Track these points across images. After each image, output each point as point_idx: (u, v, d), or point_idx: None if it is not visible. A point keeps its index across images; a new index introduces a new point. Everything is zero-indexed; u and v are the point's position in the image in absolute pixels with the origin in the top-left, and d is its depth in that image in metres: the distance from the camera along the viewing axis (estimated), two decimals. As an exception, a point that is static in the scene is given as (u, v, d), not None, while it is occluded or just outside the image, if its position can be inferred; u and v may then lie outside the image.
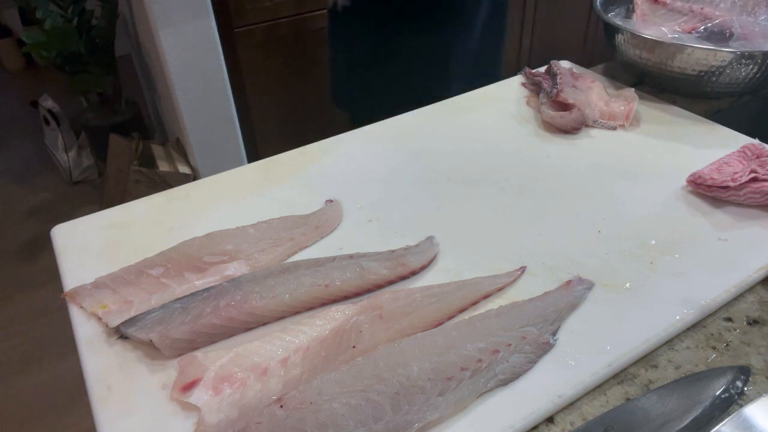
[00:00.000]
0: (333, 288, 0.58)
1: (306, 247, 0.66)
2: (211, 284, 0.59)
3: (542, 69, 0.99)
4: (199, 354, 0.52)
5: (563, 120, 0.84)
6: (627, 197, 0.72)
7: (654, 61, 0.89)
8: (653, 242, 0.64)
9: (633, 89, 0.89)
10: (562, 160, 0.79)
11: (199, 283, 0.61)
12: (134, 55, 2.64)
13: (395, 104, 0.90)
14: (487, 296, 0.58)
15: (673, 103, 0.90)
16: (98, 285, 0.60)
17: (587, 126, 0.85)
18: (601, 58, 1.07)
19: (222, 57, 1.75)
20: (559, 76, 0.90)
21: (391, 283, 0.61)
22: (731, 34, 0.91)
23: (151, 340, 0.52)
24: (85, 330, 0.57)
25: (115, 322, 0.55)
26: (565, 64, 0.99)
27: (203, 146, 1.96)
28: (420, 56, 1.10)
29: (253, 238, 0.65)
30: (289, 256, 0.65)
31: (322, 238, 0.67)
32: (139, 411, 0.49)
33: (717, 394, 0.49)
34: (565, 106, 0.85)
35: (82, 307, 0.59)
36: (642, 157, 0.79)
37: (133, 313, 0.56)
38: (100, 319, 0.57)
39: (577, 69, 0.99)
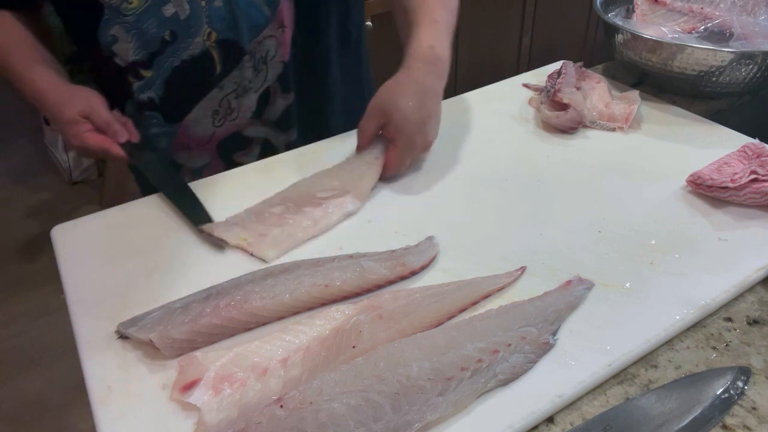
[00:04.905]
0: (333, 288, 0.58)
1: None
2: (331, 221, 0.69)
3: (549, 67, 0.98)
4: (199, 354, 0.52)
5: (559, 120, 0.84)
6: (627, 197, 0.72)
7: (654, 62, 0.89)
8: (653, 242, 0.64)
9: (637, 92, 0.89)
10: (563, 160, 0.79)
11: (320, 214, 0.69)
12: (134, 55, 2.64)
13: None
14: (487, 296, 0.58)
15: (673, 103, 0.90)
16: (230, 223, 0.68)
17: (585, 126, 0.85)
18: (601, 58, 1.07)
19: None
20: (561, 77, 0.90)
21: (391, 283, 0.61)
22: (731, 34, 0.91)
23: (151, 340, 0.52)
24: (85, 330, 0.57)
25: (259, 251, 0.64)
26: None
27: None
28: None
29: (350, 172, 0.74)
30: (377, 178, 0.74)
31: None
32: (139, 411, 0.49)
33: (717, 394, 0.49)
34: (562, 106, 0.85)
35: (222, 240, 0.65)
36: (642, 157, 0.79)
37: (271, 242, 0.65)
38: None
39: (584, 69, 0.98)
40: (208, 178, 0.79)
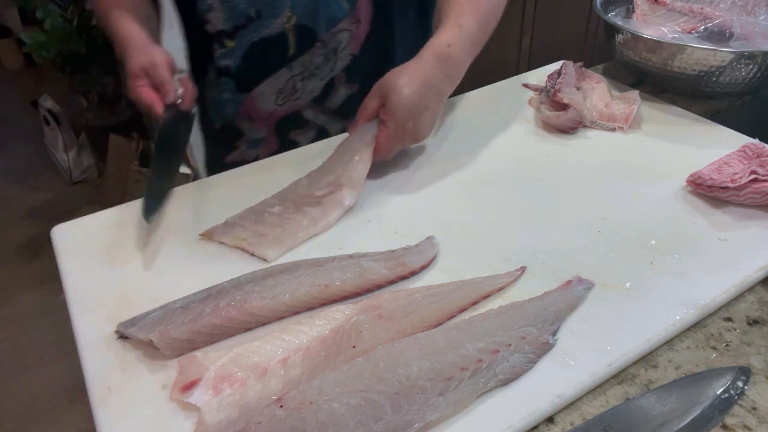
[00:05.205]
0: (333, 288, 0.58)
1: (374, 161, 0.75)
2: (331, 219, 0.69)
3: (549, 67, 0.99)
4: (199, 354, 0.52)
5: (559, 120, 0.84)
6: (627, 197, 0.72)
7: (654, 62, 0.89)
8: (653, 242, 0.64)
9: (637, 92, 0.89)
10: (563, 160, 0.79)
11: (319, 212, 0.69)
12: (134, 55, 2.64)
13: None
14: (487, 296, 0.58)
15: (673, 103, 0.90)
16: (229, 224, 0.68)
17: (585, 126, 0.85)
18: (601, 58, 1.07)
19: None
20: (561, 77, 0.90)
21: (391, 283, 0.61)
22: (731, 34, 0.91)
23: (151, 340, 0.52)
24: (85, 330, 0.57)
25: (259, 251, 0.65)
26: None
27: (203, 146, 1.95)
28: None
29: (343, 163, 0.74)
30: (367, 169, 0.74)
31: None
32: (139, 411, 0.49)
33: (717, 394, 0.49)
34: (562, 106, 0.85)
35: (222, 242, 0.66)
36: (642, 157, 0.79)
37: (272, 242, 0.66)
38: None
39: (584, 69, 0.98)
40: (210, 177, 0.79)
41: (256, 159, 0.93)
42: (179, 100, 0.75)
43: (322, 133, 0.94)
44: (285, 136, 0.95)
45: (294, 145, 0.92)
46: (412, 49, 0.92)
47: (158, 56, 0.75)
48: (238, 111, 0.92)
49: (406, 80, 0.73)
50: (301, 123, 0.94)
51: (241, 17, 0.84)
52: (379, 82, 0.76)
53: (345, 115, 0.94)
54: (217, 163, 0.99)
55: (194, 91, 0.78)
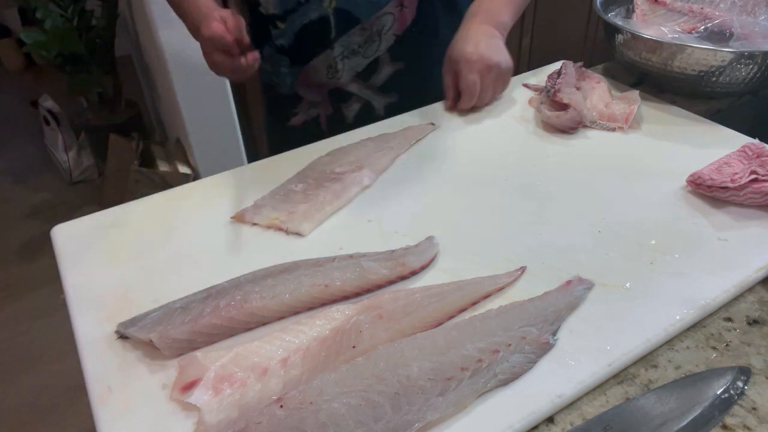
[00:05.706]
0: (333, 288, 0.58)
1: (400, 155, 0.81)
2: (351, 194, 0.73)
3: (549, 67, 0.98)
4: (199, 354, 0.53)
5: (559, 120, 0.84)
6: (627, 197, 0.72)
7: (654, 62, 0.89)
8: (653, 242, 0.64)
9: (637, 92, 0.89)
10: (563, 160, 0.79)
11: (339, 187, 0.73)
12: (134, 55, 2.64)
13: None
14: (487, 296, 0.58)
15: (673, 103, 0.90)
16: (258, 206, 0.71)
17: (585, 126, 0.85)
18: (601, 58, 1.07)
19: (222, 57, 1.75)
20: (561, 77, 0.90)
21: (391, 283, 0.61)
22: (731, 34, 0.91)
23: (151, 340, 0.52)
24: (85, 330, 0.57)
25: (293, 227, 0.67)
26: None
27: (203, 146, 1.96)
28: None
29: (369, 149, 0.80)
30: (393, 160, 0.80)
31: (411, 146, 0.82)
32: (139, 411, 0.49)
33: (717, 394, 0.49)
34: (562, 106, 0.85)
35: (255, 223, 0.68)
36: (642, 157, 0.79)
37: (302, 217, 0.68)
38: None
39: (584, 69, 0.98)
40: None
41: (316, 119, 1.03)
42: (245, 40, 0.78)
43: (367, 107, 1.01)
44: (335, 105, 1.02)
45: (341, 118, 1.02)
46: (448, 15, 0.99)
47: (224, 12, 0.80)
48: (296, 80, 1.01)
49: (459, 42, 0.87)
50: (347, 96, 1.00)
51: (291, 2, 0.91)
52: (444, 61, 0.88)
53: (388, 91, 1.00)
54: (279, 127, 1.08)
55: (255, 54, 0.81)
